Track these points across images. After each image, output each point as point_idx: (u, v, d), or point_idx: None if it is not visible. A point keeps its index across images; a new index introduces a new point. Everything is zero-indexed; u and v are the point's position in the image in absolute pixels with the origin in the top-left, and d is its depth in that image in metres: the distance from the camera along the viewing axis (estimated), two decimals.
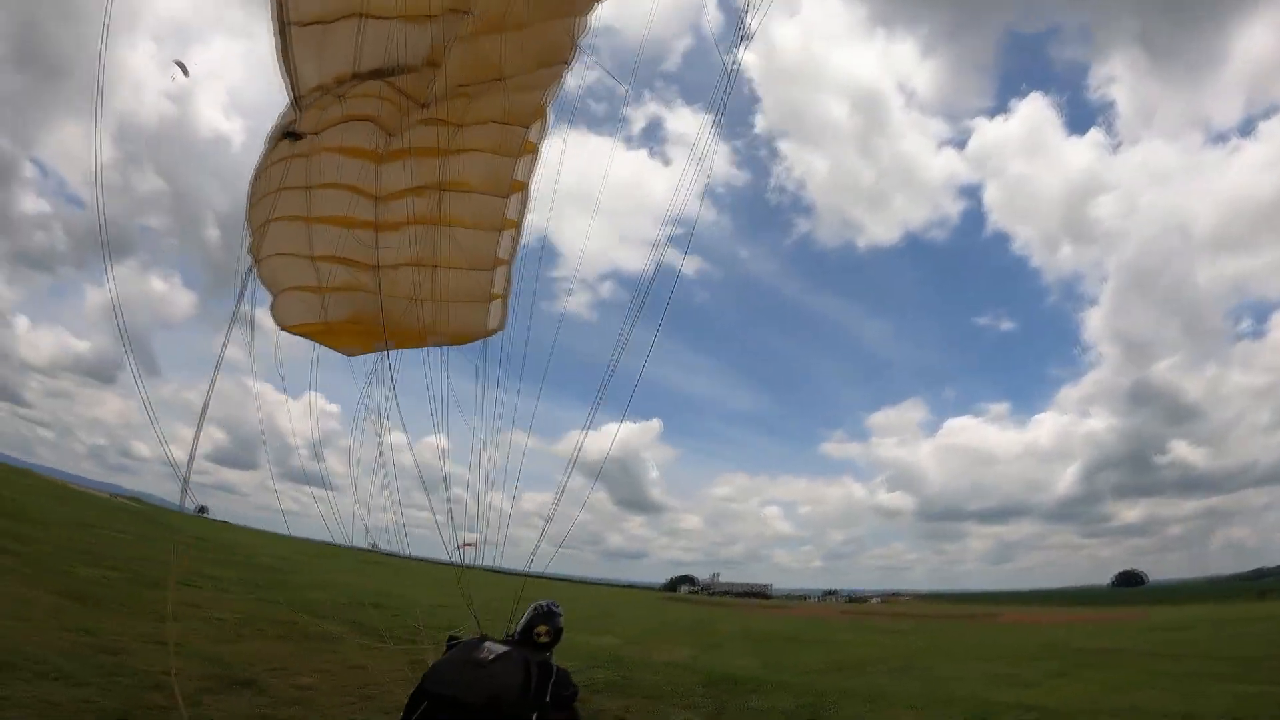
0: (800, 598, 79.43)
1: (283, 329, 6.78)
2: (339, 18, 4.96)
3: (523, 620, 4.44)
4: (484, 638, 4.22)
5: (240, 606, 12.20)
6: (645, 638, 20.11)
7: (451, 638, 4.44)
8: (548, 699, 3.99)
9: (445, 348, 6.99)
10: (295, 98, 5.15)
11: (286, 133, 5.28)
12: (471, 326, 7.25)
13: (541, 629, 4.36)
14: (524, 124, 6.50)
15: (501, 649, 4.01)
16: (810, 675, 13.54)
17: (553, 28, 5.83)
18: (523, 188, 6.83)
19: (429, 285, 6.65)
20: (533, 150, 6.54)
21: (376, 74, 5.42)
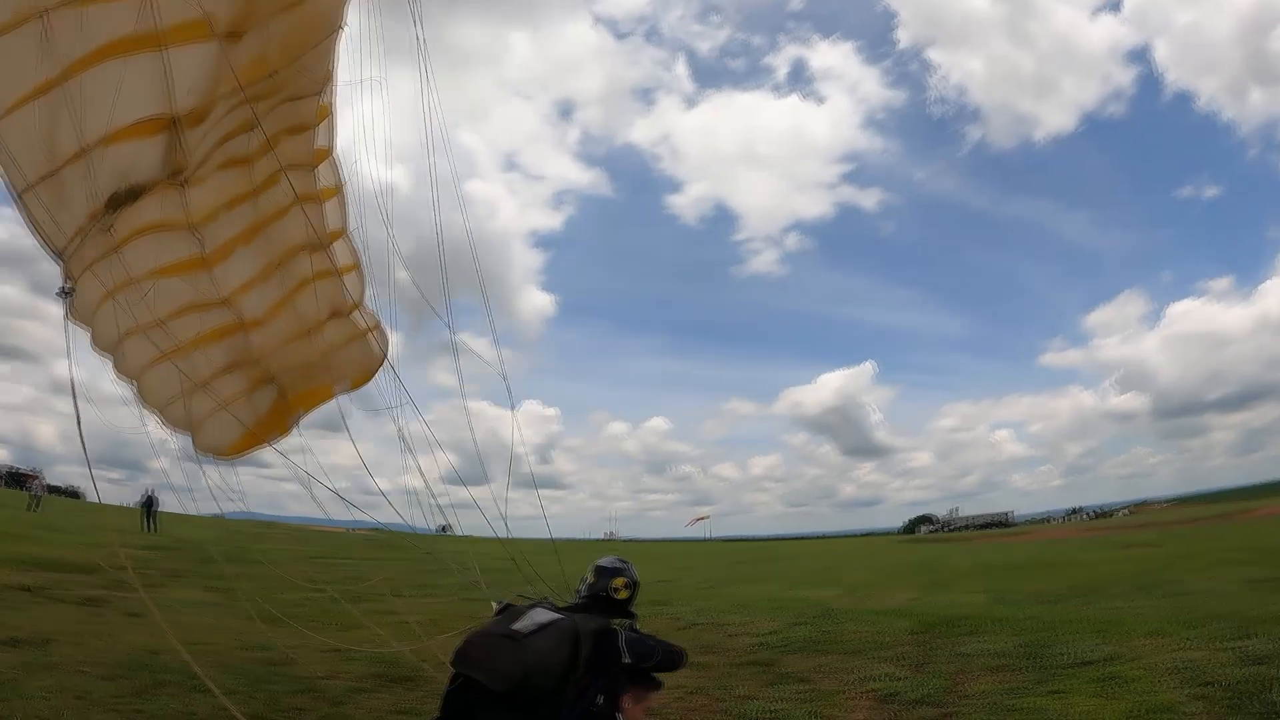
0: (1042, 521, 73.16)
1: (224, 456, 7.44)
2: (65, 165, 4.51)
3: (588, 580, 3.99)
4: (538, 603, 3.66)
5: (439, 609, 12.38)
6: (868, 585, 19.31)
7: (504, 604, 3.83)
8: (622, 663, 3.47)
9: None
10: (58, 253, 4.87)
11: (64, 291, 4.99)
12: (367, 364, 7.94)
13: (618, 582, 3.90)
14: (312, 125, 6.25)
15: (551, 617, 3.42)
16: (1040, 606, 12.28)
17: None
18: (336, 192, 6.76)
19: (310, 350, 7.22)
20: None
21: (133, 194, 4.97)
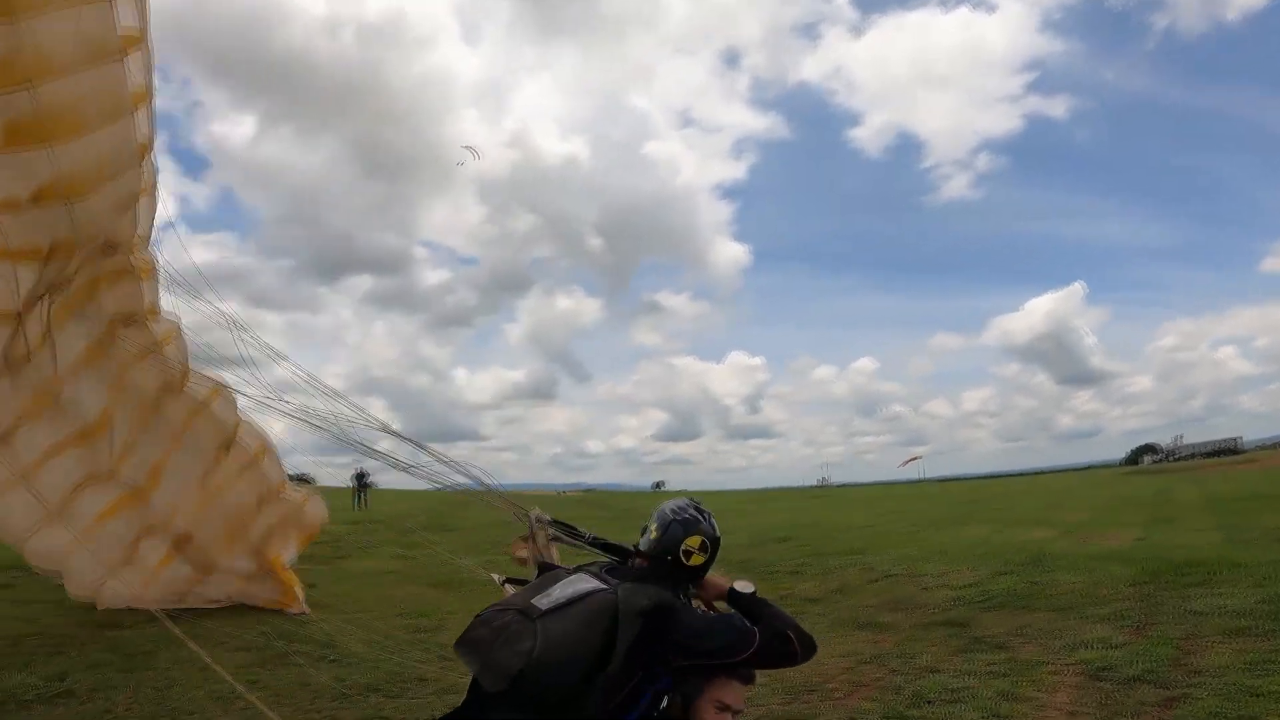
0: (1274, 446, 61.89)
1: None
2: None
3: (653, 533, 2.79)
4: (583, 567, 2.75)
5: None
6: (1086, 524, 17.47)
7: (548, 565, 3.02)
8: (671, 660, 2.45)
9: None
10: None
11: None
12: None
13: (691, 542, 2.72)
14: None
15: (589, 587, 2.50)
16: None
17: None
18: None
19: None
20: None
21: None
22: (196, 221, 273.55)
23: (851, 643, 7.90)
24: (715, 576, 2.86)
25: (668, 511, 2.81)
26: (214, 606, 8.78)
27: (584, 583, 2.52)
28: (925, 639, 7.84)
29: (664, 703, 2.48)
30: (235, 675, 5.67)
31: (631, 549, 2.91)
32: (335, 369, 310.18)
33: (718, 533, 2.82)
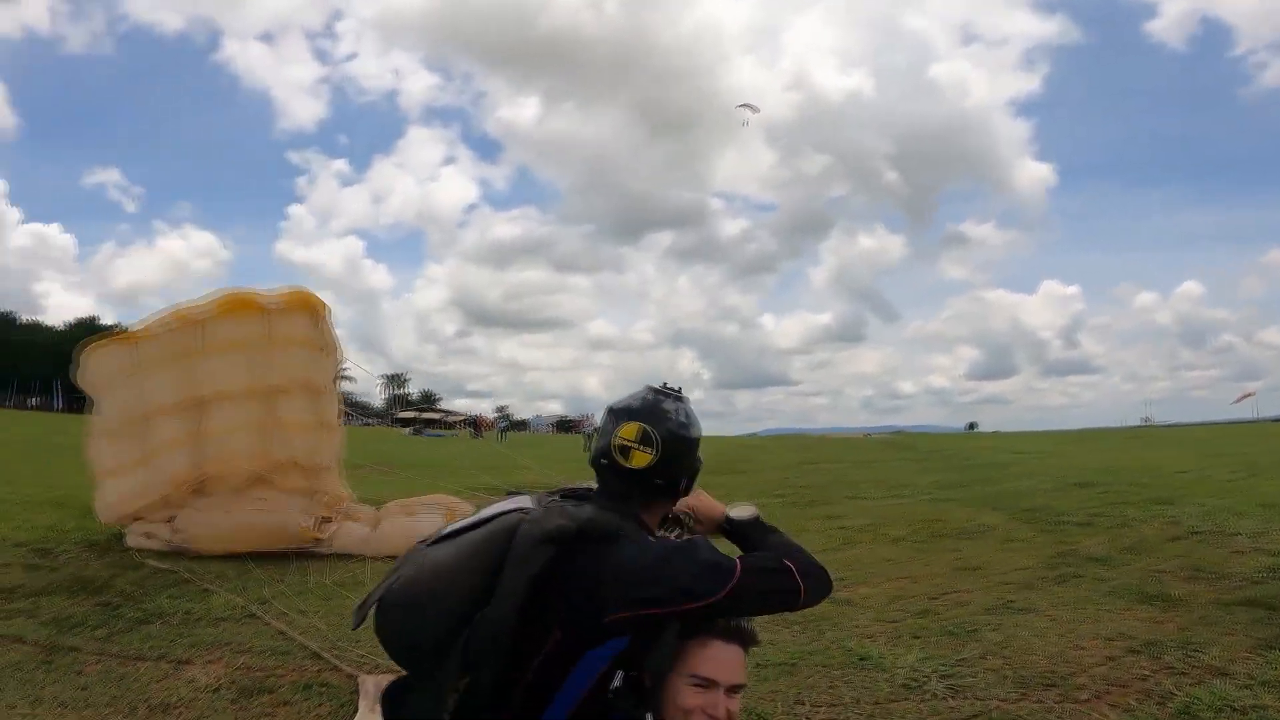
0: None
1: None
2: None
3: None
4: (571, 488, 1.88)
5: (888, 512, 11.04)
6: None
7: (571, 489, 1.96)
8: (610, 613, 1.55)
9: None
10: None
11: None
12: None
13: (626, 431, 1.75)
14: None
15: (506, 507, 1.72)
16: None
17: None
18: None
19: None
20: None
21: None
22: (499, 201, 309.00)
23: (1125, 621, 5.57)
24: (710, 501, 2.01)
25: (615, 403, 1.88)
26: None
27: (509, 503, 1.76)
28: (1220, 624, 5.24)
29: (616, 680, 1.59)
30: None
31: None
32: (644, 324, 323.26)
33: (682, 422, 1.81)
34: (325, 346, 8.15)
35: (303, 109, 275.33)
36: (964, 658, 3.94)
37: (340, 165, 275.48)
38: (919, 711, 3.20)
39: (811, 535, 8.10)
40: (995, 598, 5.55)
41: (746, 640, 1.71)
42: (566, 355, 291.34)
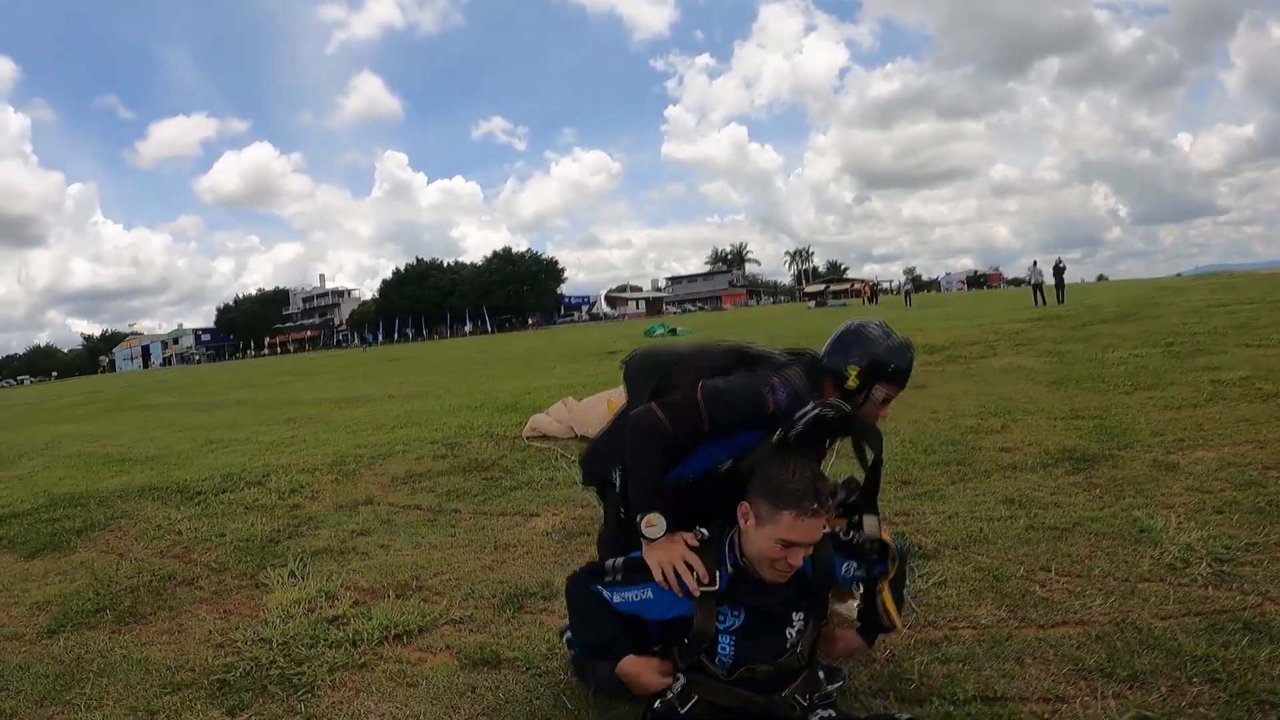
0: None
1: None
2: None
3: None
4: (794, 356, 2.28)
5: (1277, 363, 7.86)
6: None
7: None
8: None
9: None
10: None
11: None
12: None
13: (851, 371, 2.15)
14: None
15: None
16: None
17: None
18: None
19: None
20: None
21: None
22: (869, 59, 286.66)
23: None
24: None
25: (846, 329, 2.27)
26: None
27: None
28: None
29: (724, 465, 2.14)
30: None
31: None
32: (1049, 161, 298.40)
33: (885, 363, 2.15)
34: None
35: (653, 17, 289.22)
36: (1256, 542, 3.21)
37: (704, 59, 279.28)
38: (1167, 596, 2.79)
39: (1178, 388, 6.77)
40: None
41: (816, 501, 1.89)
42: (970, 206, 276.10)
